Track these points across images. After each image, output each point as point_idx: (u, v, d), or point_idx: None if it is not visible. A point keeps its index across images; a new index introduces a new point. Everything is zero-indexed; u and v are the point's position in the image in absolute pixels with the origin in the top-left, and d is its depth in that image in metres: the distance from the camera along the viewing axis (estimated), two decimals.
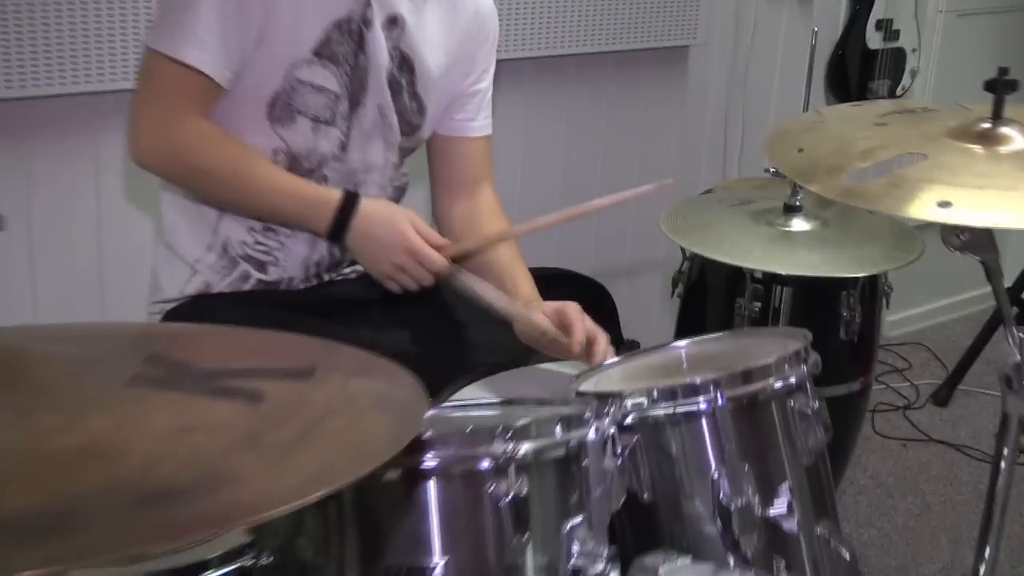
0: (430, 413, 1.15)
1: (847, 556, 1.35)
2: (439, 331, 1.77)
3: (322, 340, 1.04)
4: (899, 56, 3.25)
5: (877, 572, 2.48)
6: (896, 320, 3.62)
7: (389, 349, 1.03)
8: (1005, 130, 1.41)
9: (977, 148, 1.40)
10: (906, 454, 3.01)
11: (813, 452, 1.35)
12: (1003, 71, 1.41)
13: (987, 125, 1.41)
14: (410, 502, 1.06)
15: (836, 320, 2.12)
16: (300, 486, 0.68)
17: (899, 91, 3.28)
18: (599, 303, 1.82)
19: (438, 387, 1.45)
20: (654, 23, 2.80)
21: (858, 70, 3.19)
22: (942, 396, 3.31)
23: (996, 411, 1.61)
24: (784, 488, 1.30)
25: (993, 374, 3.27)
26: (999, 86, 1.41)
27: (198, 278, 1.74)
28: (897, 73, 3.27)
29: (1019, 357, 1.43)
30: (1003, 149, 1.39)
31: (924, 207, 1.30)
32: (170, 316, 1.73)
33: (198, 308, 1.72)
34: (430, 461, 1.06)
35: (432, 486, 1.07)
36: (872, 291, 2.21)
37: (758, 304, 2.09)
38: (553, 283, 1.76)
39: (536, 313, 1.60)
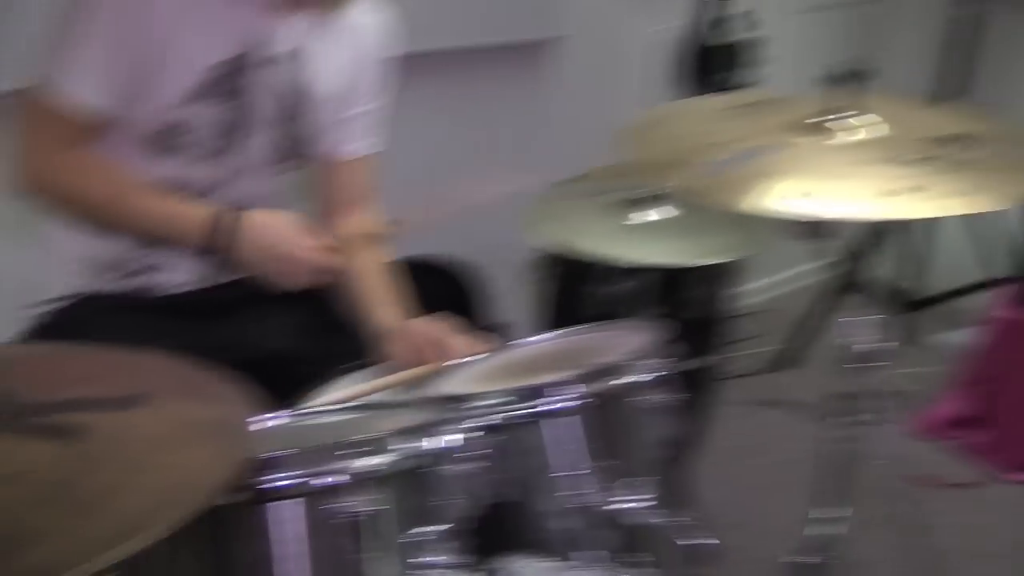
0: (281, 424, 1.13)
1: (706, 543, 1.38)
2: (324, 325, 1.76)
3: (162, 359, 1.00)
4: (757, 47, 3.29)
5: (729, 529, 2.54)
6: (755, 288, 3.71)
7: (272, 346, 1.01)
8: (849, 121, 1.44)
9: (821, 138, 1.43)
10: (755, 417, 3.10)
11: (666, 444, 1.36)
12: (848, 64, 1.44)
13: (830, 116, 1.44)
14: (255, 525, 1.03)
15: (688, 300, 2.16)
16: (108, 541, 0.63)
17: (759, 82, 3.34)
18: (467, 288, 1.87)
19: (320, 380, 1.52)
20: (514, 17, 2.79)
21: (718, 62, 3.22)
22: (789, 360, 3.42)
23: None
24: (639, 482, 1.31)
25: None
26: (844, 78, 1.44)
27: (80, 278, 1.71)
28: (756, 64, 3.32)
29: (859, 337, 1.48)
30: (844, 139, 1.42)
31: (769, 199, 1.32)
32: (46, 319, 1.68)
33: (77, 311, 1.69)
34: (276, 481, 1.03)
35: (279, 507, 1.04)
36: (724, 270, 2.26)
37: (612, 290, 2.12)
38: (423, 272, 1.79)
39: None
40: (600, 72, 3.15)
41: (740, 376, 3.31)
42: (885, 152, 1.37)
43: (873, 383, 1.94)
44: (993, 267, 3.52)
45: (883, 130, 1.43)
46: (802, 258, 3.90)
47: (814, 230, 1.39)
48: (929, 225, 3.55)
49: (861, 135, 1.43)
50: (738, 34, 3.17)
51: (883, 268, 3.70)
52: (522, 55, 2.91)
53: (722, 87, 3.20)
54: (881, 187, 1.30)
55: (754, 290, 3.81)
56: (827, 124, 1.44)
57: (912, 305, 3.65)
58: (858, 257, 3.48)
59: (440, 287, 1.82)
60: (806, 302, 3.58)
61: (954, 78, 3.46)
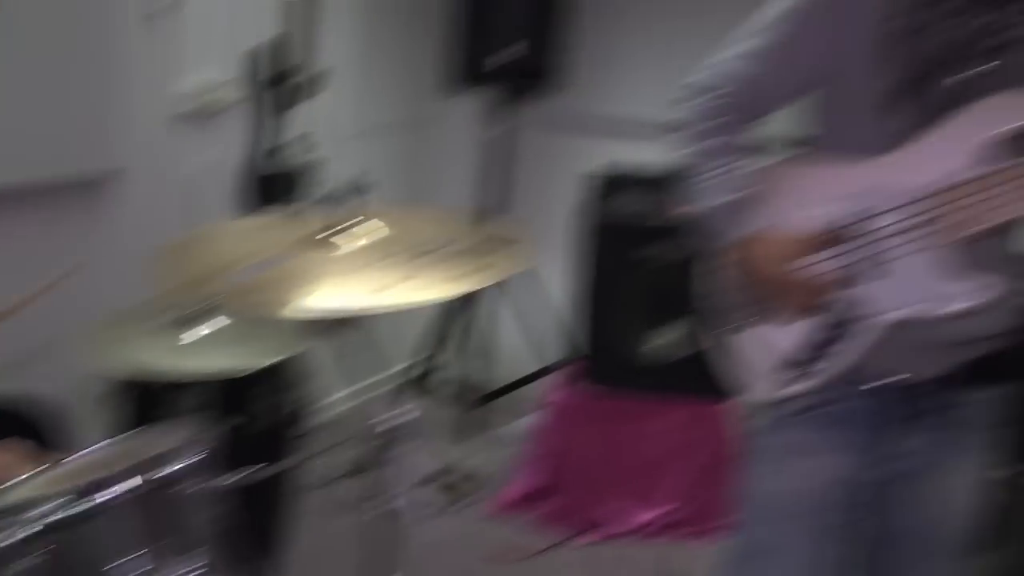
0: None
1: None
2: None
3: None
4: (313, 170, 3.53)
5: None
6: (339, 397, 3.90)
7: None
8: (355, 229, 1.68)
9: (336, 245, 1.66)
10: (333, 523, 3.24)
11: (221, 527, 1.50)
12: (352, 183, 1.69)
13: (337, 228, 1.68)
14: None
15: (253, 407, 2.30)
16: None
17: (318, 202, 3.55)
18: (40, 424, 1.86)
19: None
20: (66, 152, 2.77)
21: (279, 185, 3.42)
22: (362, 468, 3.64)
23: None
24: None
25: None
26: (346, 193, 1.68)
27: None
28: (313, 186, 3.55)
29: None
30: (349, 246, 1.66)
31: (293, 303, 1.52)
32: None
33: None
34: None
35: None
36: (286, 378, 2.42)
37: (181, 404, 2.22)
38: None
39: None
40: (160, 201, 3.21)
41: (321, 483, 3.45)
42: (386, 252, 1.64)
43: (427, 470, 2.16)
44: (548, 355, 3.94)
45: (385, 233, 1.69)
46: (383, 364, 4.18)
47: (339, 326, 1.61)
48: (490, 322, 3.93)
49: (366, 240, 1.68)
50: (296, 158, 3.40)
51: (452, 366, 4.06)
52: (79, 190, 2.93)
53: (284, 206, 3.41)
54: (381, 282, 1.54)
55: (339, 399, 4.02)
56: (339, 232, 1.68)
57: (482, 398, 4.00)
58: (429, 358, 3.79)
59: (11, 429, 1.84)
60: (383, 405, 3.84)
61: (494, 192, 3.89)
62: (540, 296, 3.92)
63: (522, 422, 3.83)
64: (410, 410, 1.85)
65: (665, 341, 3.28)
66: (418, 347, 3.86)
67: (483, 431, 4.01)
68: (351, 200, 1.68)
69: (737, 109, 1.77)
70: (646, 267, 3.24)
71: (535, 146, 4.19)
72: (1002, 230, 1.62)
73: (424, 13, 4.03)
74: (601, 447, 3.29)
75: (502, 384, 4.06)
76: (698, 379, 2.18)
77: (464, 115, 4.25)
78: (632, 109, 3.93)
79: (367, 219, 1.70)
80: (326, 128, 3.60)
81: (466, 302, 3.92)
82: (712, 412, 3.21)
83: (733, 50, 1.80)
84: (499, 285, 3.89)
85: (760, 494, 1.84)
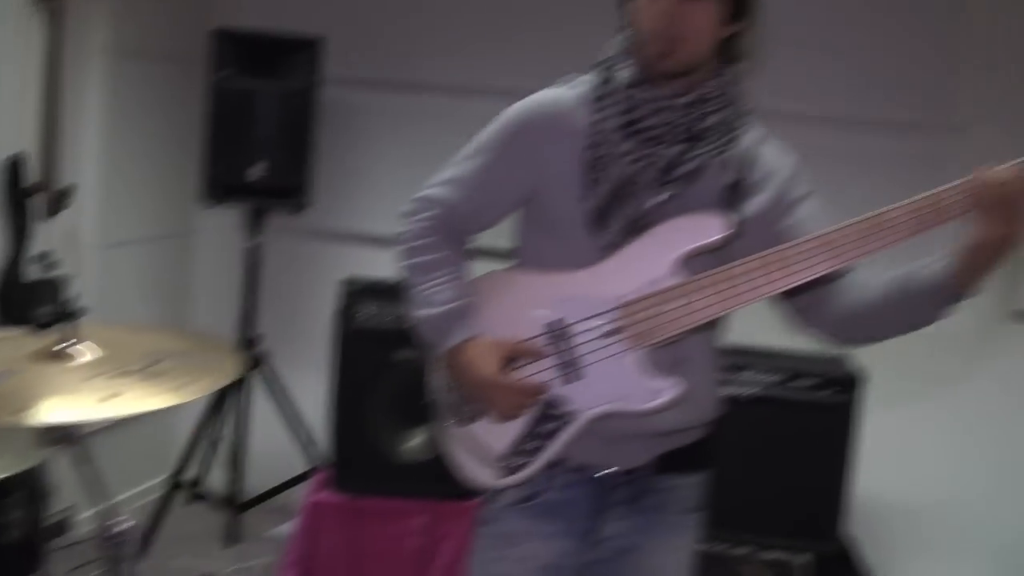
0: None
1: None
2: None
3: None
4: (60, 285, 3.51)
5: None
6: (85, 517, 3.82)
7: None
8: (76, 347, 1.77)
9: (58, 363, 1.74)
10: None
11: None
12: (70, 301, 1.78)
13: (62, 345, 1.76)
14: None
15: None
16: None
17: (64, 317, 3.54)
18: None
19: None
20: None
21: (23, 299, 3.40)
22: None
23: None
24: None
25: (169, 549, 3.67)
26: (55, 319, 1.78)
27: None
28: (60, 300, 3.52)
29: None
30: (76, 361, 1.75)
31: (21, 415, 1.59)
32: None
33: None
34: None
35: None
36: (32, 492, 2.41)
37: None
38: None
39: None
40: None
41: None
42: (105, 368, 1.74)
43: None
44: (302, 462, 4.01)
45: (101, 352, 1.79)
46: (144, 475, 4.14)
47: (63, 437, 1.69)
48: (243, 431, 3.97)
49: (87, 357, 1.77)
50: (39, 274, 3.38)
51: (215, 474, 4.07)
52: None
53: (37, 324, 3.39)
54: (99, 395, 1.64)
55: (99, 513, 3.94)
56: (61, 352, 1.76)
57: (242, 505, 4.02)
58: (194, 467, 3.79)
59: None
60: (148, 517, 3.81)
61: (249, 303, 3.97)
62: (292, 404, 3.99)
63: (283, 528, 3.87)
64: (125, 520, 1.91)
65: (412, 444, 3.41)
66: (180, 457, 3.87)
67: (247, 537, 4.03)
68: (64, 321, 1.78)
69: (441, 230, 1.97)
70: (394, 373, 3.38)
71: (287, 258, 4.32)
72: (690, 334, 1.85)
73: (175, 129, 4.12)
74: (348, 552, 3.36)
75: (261, 491, 4.08)
76: (443, 479, 2.30)
77: (219, 227, 4.34)
78: (374, 224, 4.14)
79: (79, 340, 1.81)
80: (70, 243, 3.61)
81: (221, 411, 3.94)
82: (456, 510, 3.35)
83: (439, 176, 2.00)
84: (248, 394, 3.96)
85: None
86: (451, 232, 1.98)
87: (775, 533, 3.19)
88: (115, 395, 1.69)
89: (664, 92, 1.83)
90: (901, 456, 3.84)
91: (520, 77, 2.01)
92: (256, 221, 3.89)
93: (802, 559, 3.16)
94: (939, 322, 1.82)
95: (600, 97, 1.88)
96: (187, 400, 1.81)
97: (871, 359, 3.07)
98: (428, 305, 1.92)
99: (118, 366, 1.83)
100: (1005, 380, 3.79)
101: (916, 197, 1.74)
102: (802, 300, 1.92)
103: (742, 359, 3.20)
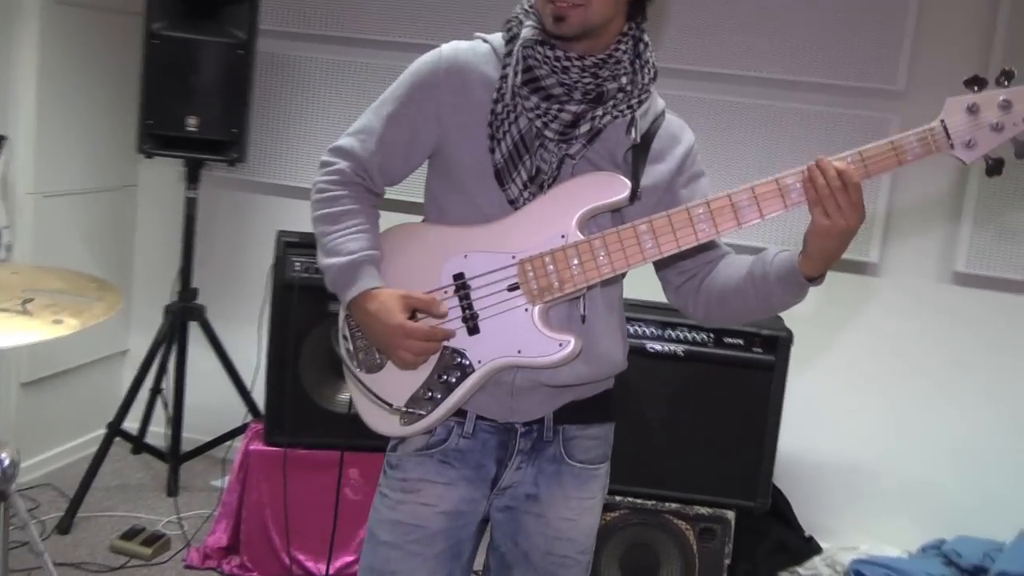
0: None
1: None
2: None
3: None
4: None
5: None
6: (28, 465, 3.85)
7: None
8: None
9: None
10: None
11: None
12: None
13: None
14: None
15: None
16: None
17: None
18: None
19: None
20: None
21: None
22: (65, 524, 3.66)
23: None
24: None
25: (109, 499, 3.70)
26: None
27: None
28: None
29: None
30: None
31: None
32: None
33: None
34: None
35: None
36: None
37: None
38: None
39: None
40: None
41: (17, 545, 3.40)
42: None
43: None
44: (239, 414, 4.03)
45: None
46: (86, 427, 4.16)
47: None
48: (181, 383, 3.98)
49: None
50: None
51: (155, 426, 4.09)
52: None
53: None
54: None
55: (41, 461, 3.98)
56: None
57: (181, 457, 4.04)
58: (135, 419, 3.80)
59: None
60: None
61: (187, 252, 3.97)
62: (229, 356, 4.00)
63: (222, 480, 3.91)
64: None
65: (345, 395, 3.44)
66: (119, 409, 3.88)
67: (187, 488, 4.07)
68: None
69: (351, 181, 1.98)
70: (327, 324, 3.39)
71: (225, 211, 4.33)
72: (588, 291, 1.89)
73: (114, 80, 4.09)
74: (282, 502, 3.39)
75: (200, 443, 4.11)
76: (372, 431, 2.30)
77: (160, 180, 4.33)
78: (311, 177, 4.13)
79: None
80: (5, 192, 3.59)
81: (160, 363, 3.95)
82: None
83: (352, 127, 2.02)
84: (185, 347, 3.97)
85: (379, 528, 2.02)
86: (360, 183, 2.00)
87: (703, 490, 3.25)
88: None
89: (565, 53, 1.85)
90: (829, 414, 3.91)
91: (451, 32, 2.01)
92: (193, 173, 3.88)
93: (730, 515, 3.22)
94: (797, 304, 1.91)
95: (507, 53, 1.90)
96: (57, 335, 1.81)
97: (801, 320, 3.11)
98: (335, 254, 1.94)
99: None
100: (938, 339, 3.85)
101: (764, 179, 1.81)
102: (683, 270, 2.01)
103: (669, 317, 3.24)
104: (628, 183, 1.85)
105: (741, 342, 3.24)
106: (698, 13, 3.77)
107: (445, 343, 1.90)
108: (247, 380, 3.98)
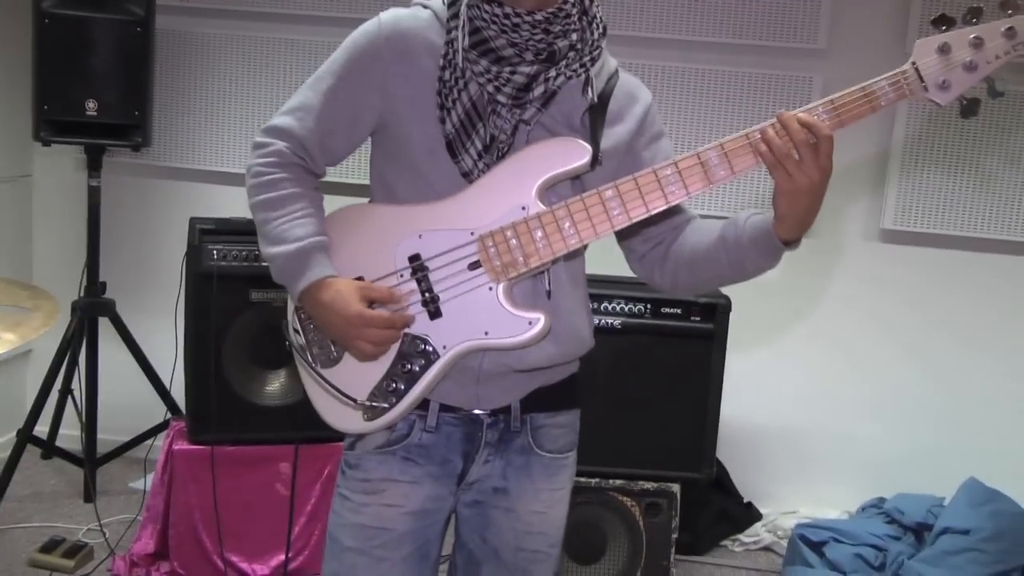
0: None
1: None
2: None
3: None
4: None
5: None
6: None
7: None
8: None
9: None
10: None
11: None
12: None
13: None
14: None
15: None
16: None
17: None
18: None
19: None
20: None
21: None
22: None
23: None
24: None
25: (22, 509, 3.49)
26: None
27: None
28: None
29: None
30: None
31: None
32: None
33: None
34: None
35: None
36: None
37: None
38: None
39: None
40: None
41: None
42: None
43: None
44: (158, 412, 3.84)
45: None
46: None
47: None
48: (93, 382, 3.78)
49: None
50: None
51: (68, 429, 3.87)
52: None
53: None
54: None
55: None
56: None
57: (98, 460, 3.83)
58: (45, 421, 3.59)
59: None
60: None
61: (92, 242, 3.76)
62: (142, 352, 3.81)
63: (141, 482, 3.72)
64: None
65: (271, 388, 3.30)
66: (30, 412, 3.66)
67: (105, 492, 3.89)
68: None
69: (291, 162, 1.83)
70: (249, 314, 3.25)
71: (131, 198, 4.11)
72: (552, 265, 1.78)
73: (5, 64, 3.84)
74: (210, 504, 3.23)
75: (117, 445, 3.90)
76: (305, 423, 2.17)
77: (59, 168, 4.09)
78: (220, 161, 3.98)
79: None
80: None
81: (70, 362, 3.74)
82: (319, 453, 3.26)
83: (287, 104, 1.87)
84: (95, 343, 3.76)
85: (342, 532, 1.88)
86: (301, 164, 1.85)
87: (648, 464, 3.19)
88: None
89: (514, 9, 1.74)
90: (768, 380, 3.90)
91: (364, 4, 1.88)
92: (94, 160, 3.66)
93: (675, 488, 3.17)
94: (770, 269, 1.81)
95: (451, 17, 1.78)
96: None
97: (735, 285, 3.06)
98: (281, 242, 1.79)
99: None
100: (871, 299, 3.86)
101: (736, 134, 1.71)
102: (648, 237, 1.91)
103: (605, 289, 3.16)
104: (588, 147, 1.74)
105: (679, 311, 3.18)
106: None
107: (406, 330, 1.78)
108: (164, 377, 3.78)
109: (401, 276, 1.79)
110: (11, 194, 4.09)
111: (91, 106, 3.48)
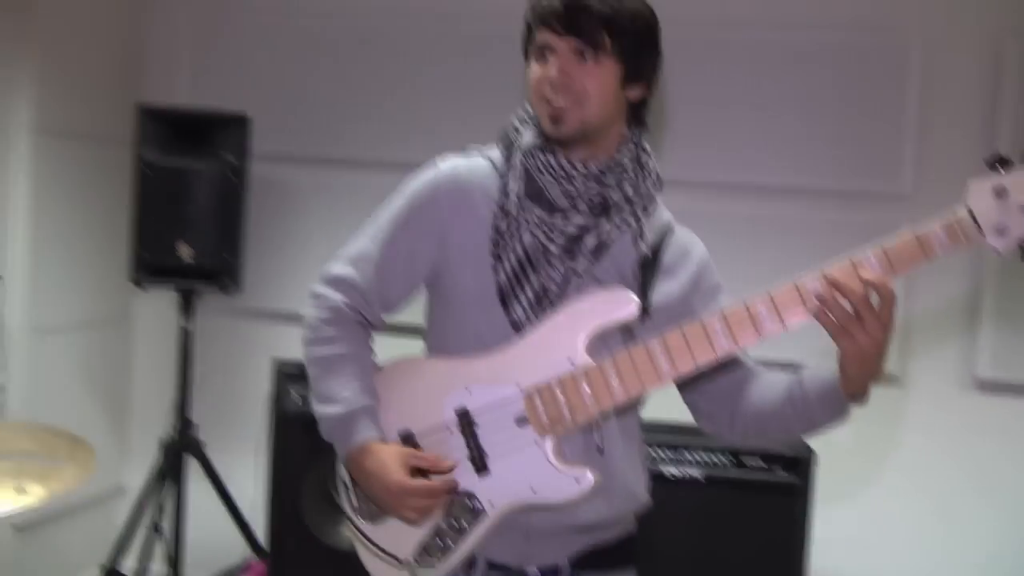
0: None
1: None
2: None
3: None
4: None
5: None
6: None
7: None
8: None
9: None
10: None
11: None
12: None
13: None
14: None
15: None
16: None
17: None
18: None
19: None
20: None
21: None
22: None
23: None
24: None
25: None
26: None
27: None
28: None
29: None
30: None
31: None
32: None
33: None
34: None
35: None
36: None
37: None
38: None
39: None
40: None
41: None
42: None
43: None
44: (238, 552, 3.85)
45: None
46: (82, 566, 3.97)
47: None
48: (180, 519, 3.81)
49: None
50: None
51: (155, 564, 3.90)
52: None
53: None
54: None
55: None
56: None
57: None
58: (133, 557, 3.62)
59: None
60: None
61: (184, 384, 3.85)
62: (228, 491, 3.84)
63: None
64: None
65: (346, 532, 3.29)
66: (116, 547, 3.70)
67: None
68: None
69: (345, 316, 1.86)
70: (328, 457, 3.26)
71: (221, 340, 4.21)
72: (602, 419, 1.75)
73: (106, 210, 4.01)
74: None
75: None
76: None
77: (155, 310, 4.23)
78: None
79: None
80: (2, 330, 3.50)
81: (149, 501, 3.79)
82: None
83: (344, 251, 1.90)
84: (183, 481, 3.81)
85: None
86: (357, 319, 1.87)
87: None
88: None
89: (568, 159, 1.75)
90: (854, 532, 3.72)
91: (443, 151, 1.92)
92: (187, 303, 3.77)
93: None
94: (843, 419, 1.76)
95: (508, 166, 1.81)
96: (20, 506, 1.70)
97: (821, 438, 2.96)
98: (329, 402, 1.81)
99: None
100: (968, 453, 3.68)
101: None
102: (709, 394, 1.86)
103: (685, 438, 3.09)
104: (635, 298, 1.72)
105: (762, 464, 3.09)
106: (696, 121, 3.70)
107: (451, 488, 1.75)
108: (247, 514, 3.80)
109: (449, 430, 1.78)
110: (111, 335, 4.22)
111: (185, 251, 3.60)
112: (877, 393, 3.58)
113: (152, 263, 3.63)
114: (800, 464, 3.05)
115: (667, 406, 1.93)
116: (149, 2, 4.20)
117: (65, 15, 3.78)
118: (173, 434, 3.80)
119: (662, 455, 3.11)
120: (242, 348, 4.19)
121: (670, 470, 3.10)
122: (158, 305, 4.19)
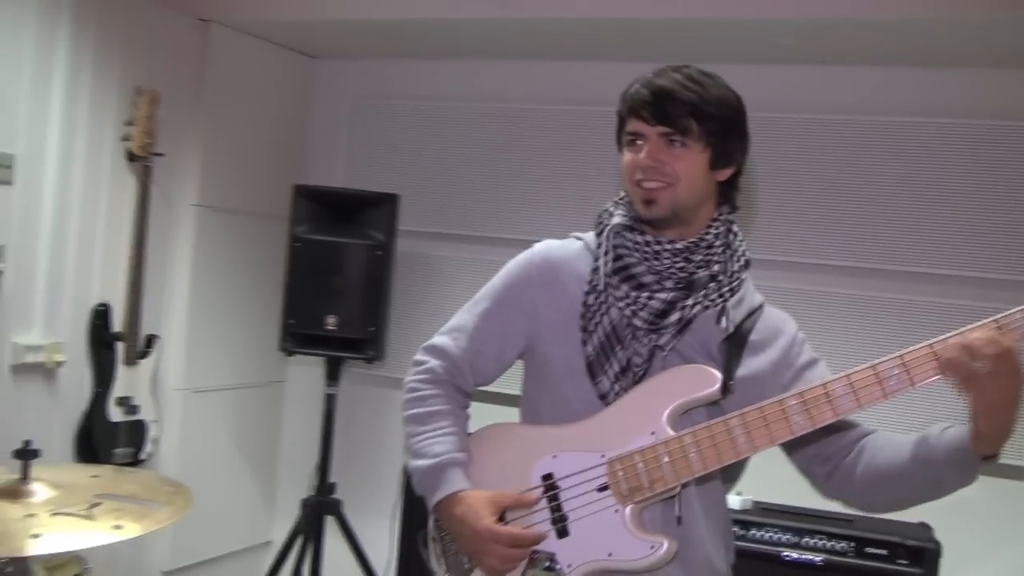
0: None
1: None
2: None
3: None
4: (139, 427, 3.67)
5: None
6: None
7: None
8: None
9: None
10: None
11: None
12: (26, 443, 2.10)
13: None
14: None
15: None
16: None
17: (143, 456, 3.69)
18: None
19: None
20: None
21: (103, 439, 3.56)
22: None
23: None
24: None
25: None
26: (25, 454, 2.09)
27: None
28: (139, 441, 3.69)
29: None
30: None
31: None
32: None
33: None
34: None
35: None
36: None
37: None
38: None
39: None
40: None
41: None
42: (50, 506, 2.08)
43: None
44: None
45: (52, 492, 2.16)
46: None
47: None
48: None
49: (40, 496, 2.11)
50: (122, 415, 3.56)
51: None
52: None
53: (119, 461, 3.54)
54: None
55: None
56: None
57: None
58: None
59: None
60: None
61: (328, 449, 4.04)
62: (363, 551, 3.99)
63: None
64: None
65: None
66: None
67: None
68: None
69: (442, 380, 1.99)
70: None
71: (364, 406, 4.39)
72: (683, 489, 1.81)
73: (261, 281, 4.28)
74: None
75: None
76: None
77: (305, 376, 4.46)
78: None
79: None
80: (156, 388, 3.76)
81: (288, 555, 3.97)
82: None
83: (447, 324, 2.04)
84: (321, 540, 3.97)
85: None
86: (451, 382, 2.01)
87: None
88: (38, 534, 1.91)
89: (656, 237, 1.84)
90: None
91: (582, 229, 2.04)
92: (333, 371, 3.98)
93: None
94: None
95: (597, 245, 1.91)
96: (114, 540, 1.95)
97: (946, 522, 2.90)
98: (421, 456, 1.93)
99: (61, 505, 2.03)
100: None
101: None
102: (821, 457, 1.88)
103: (807, 523, 3.06)
104: (719, 375, 1.79)
105: (885, 552, 3.03)
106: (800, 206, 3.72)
107: (535, 547, 1.84)
108: (380, 574, 3.94)
109: (535, 494, 1.86)
110: (262, 397, 4.47)
111: (331, 321, 3.81)
112: (1007, 485, 3.48)
113: (301, 332, 3.85)
114: (925, 555, 2.98)
115: (795, 492, 1.95)
116: (312, 93, 4.53)
117: (234, 104, 4.13)
118: (314, 494, 3.99)
119: (784, 539, 3.09)
120: (383, 415, 4.38)
121: (790, 554, 3.07)
122: (306, 371, 4.43)
